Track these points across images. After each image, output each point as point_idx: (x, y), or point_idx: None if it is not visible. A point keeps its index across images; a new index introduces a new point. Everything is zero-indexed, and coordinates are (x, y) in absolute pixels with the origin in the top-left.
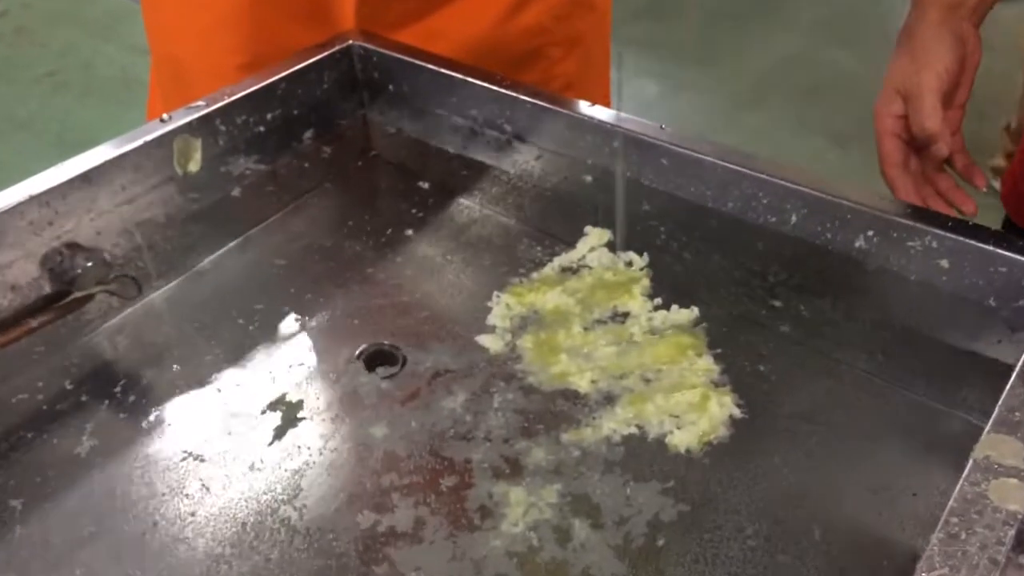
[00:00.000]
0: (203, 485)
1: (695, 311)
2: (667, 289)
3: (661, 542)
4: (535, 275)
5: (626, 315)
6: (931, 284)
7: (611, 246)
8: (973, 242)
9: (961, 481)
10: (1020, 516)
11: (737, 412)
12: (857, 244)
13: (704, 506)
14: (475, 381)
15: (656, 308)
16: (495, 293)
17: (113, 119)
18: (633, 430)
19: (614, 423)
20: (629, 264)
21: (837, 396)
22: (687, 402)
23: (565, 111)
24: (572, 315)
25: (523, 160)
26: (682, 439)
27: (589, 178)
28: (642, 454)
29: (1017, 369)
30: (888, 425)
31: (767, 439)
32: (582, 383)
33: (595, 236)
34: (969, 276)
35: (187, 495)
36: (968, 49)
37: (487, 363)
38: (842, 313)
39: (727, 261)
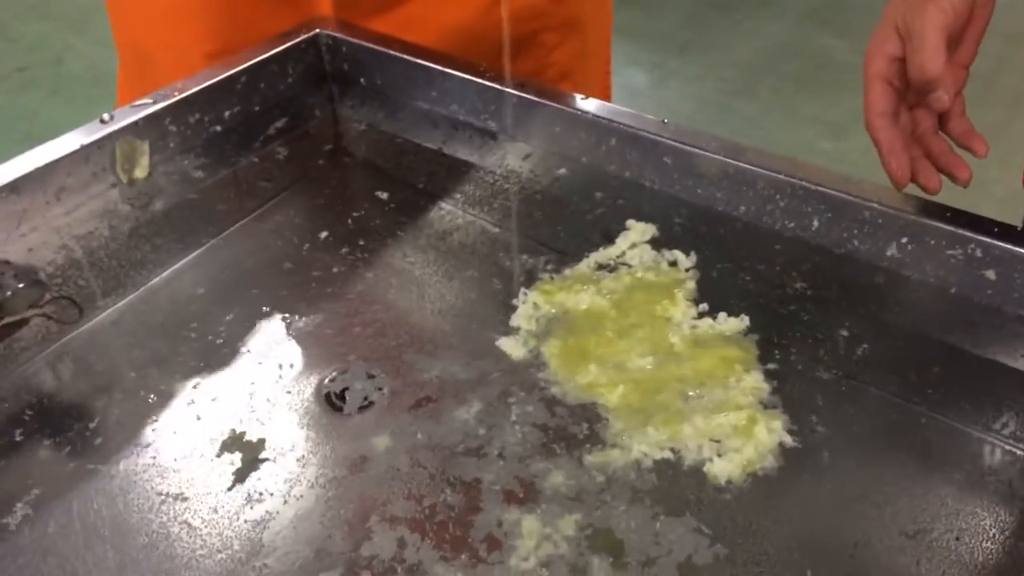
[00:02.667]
0: (150, 542)
1: (745, 320)
2: (715, 295)
3: None
4: (567, 271)
5: (666, 321)
6: (975, 297)
7: (655, 243)
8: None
9: None
10: None
11: (788, 440)
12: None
13: (745, 550)
14: (491, 391)
15: (701, 315)
16: (522, 290)
17: (84, 116)
18: (667, 455)
19: (646, 446)
20: (673, 264)
21: (887, 423)
22: (731, 425)
23: (556, 105)
24: (606, 319)
25: (510, 159)
26: (723, 468)
27: (582, 178)
28: (676, 483)
29: None
30: (928, 456)
31: (817, 473)
32: (612, 397)
33: (637, 231)
34: (1020, 288)
35: (131, 555)
36: None
37: (504, 372)
38: (897, 336)
39: (778, 268)
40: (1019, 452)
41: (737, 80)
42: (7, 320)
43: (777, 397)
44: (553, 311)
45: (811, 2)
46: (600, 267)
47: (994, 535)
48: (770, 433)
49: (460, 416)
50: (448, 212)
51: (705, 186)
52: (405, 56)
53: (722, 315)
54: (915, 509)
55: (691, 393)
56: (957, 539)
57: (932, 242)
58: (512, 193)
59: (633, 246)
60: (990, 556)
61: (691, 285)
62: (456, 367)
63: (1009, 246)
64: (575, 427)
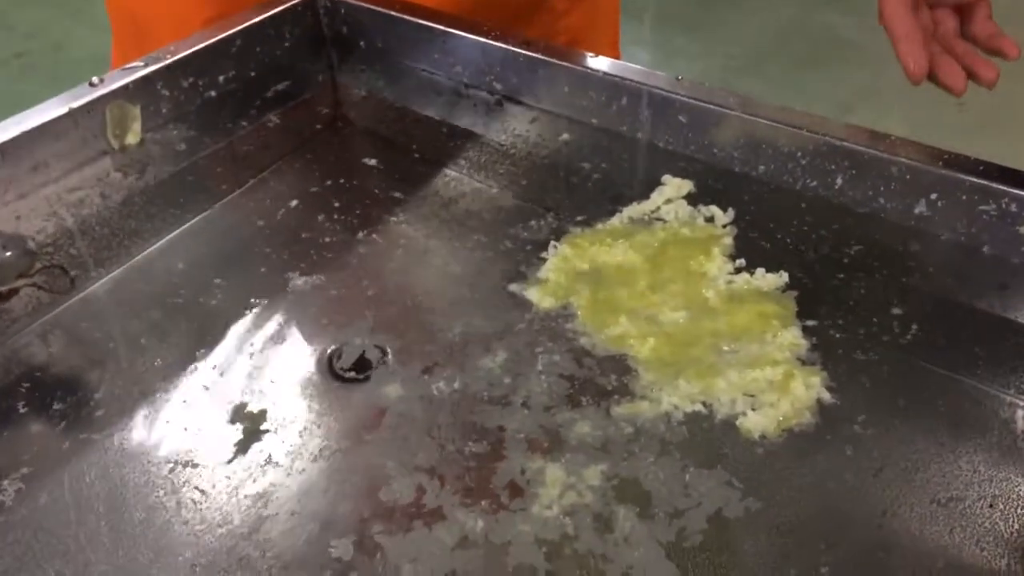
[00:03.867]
0: (147, 517)
1: (784, 276)
2: (753, 252)
3: (722, 542)
4: (600, 225)
5: (702, 276)
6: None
7: (691, 199)
8: None
9: None
10: None
11: (827, 396)
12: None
13: (778, 505)
14: (517, 340)
15: (738, 271)
16: (552, 243)
17: None
18: (699, 408)
19: (676, 398)
20: (710, 219)
21: (920, 387)
22: (766, 380)
23: (566, 64)
24: (638, 272)
25: (516, 124)
26: (757, 423)
27: (593, 141)
28: (707, 437)
29: None
30: (960, 422)
31: (851, 434)
32: (643, 350)
33: (673, 187)
34: None
35: (127, 531)
36: None
37: (531, 322)
38: (932, 299)
39: (817, 229)
40: None
41: (744, 58)
42: None
43: (816, 354)
44: (584, 265)
45: None
46: (634, 221)
47: (1012, 498)
48: (808, 389)
49: (485, 365)
50: (453, 179)
51: (724, 146)
52: (406, 17)
53: (760, 271)
54: (947, 476)
55: (725, 348)
56: (991, 506)
57: (964, 197)
58: (518, 159)
59: (668, 201)
60: (1010, 516)
61: (728, 241)
62: (478, 320)
63: None
64: (603, 378)
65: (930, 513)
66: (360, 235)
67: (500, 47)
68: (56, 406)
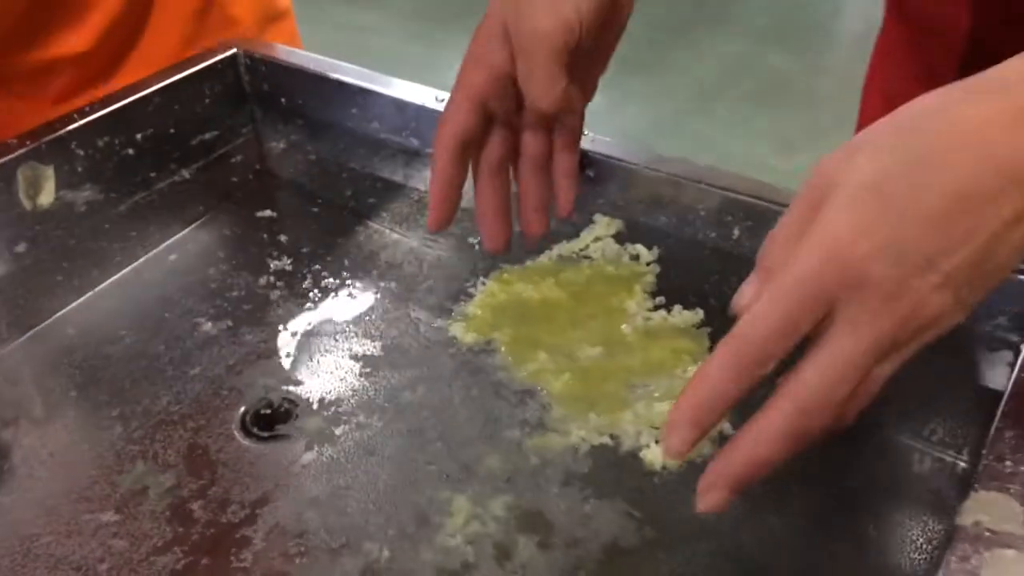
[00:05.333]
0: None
1: (700, 313)
2: (673, 289)
3: (615, 571)
4: (529, 263)
5: (621, 312)
6: None
7: (619, 237)
8: None
9: (946, 556)
10: None
11: (729, 428)
12: None
13: (672, 536)
14: (438, 375)
15: (656, 308)
16: (480, 279)
17: None
18: (605, 440)
19: (585, 431)
20: (636, 258)
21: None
22: None
23: None
24: (561, 308)
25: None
26: (659, 454)
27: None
28: (611, 468)
29: (1001, 406)
30: (867, 465)
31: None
32: (557, 385)
33: (602, 225)
34: None
35: None
36: None
37: (453, 357)
38: None
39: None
40: (947, 459)
41: (694, 99)
42: None
43: None
44: (510, 301)
45: (767, 22)
46: (563, 258)
47: (921, 545)
48: None
49: (405, 399)
50: (375, 230)
51: (629, 198)
52: (324, 73)
53: (677, 307)
54: (843, 513)
55: (637, 382)
56: (875, 528)
57: None
58: None
59: (597, 239)
60: (918, 566)
61: (650, 279)
62: (398, 357)
63: None
64: (517, 412)
65: (819, 542)
66: (290, 287)
67: (414, 103)
68: None
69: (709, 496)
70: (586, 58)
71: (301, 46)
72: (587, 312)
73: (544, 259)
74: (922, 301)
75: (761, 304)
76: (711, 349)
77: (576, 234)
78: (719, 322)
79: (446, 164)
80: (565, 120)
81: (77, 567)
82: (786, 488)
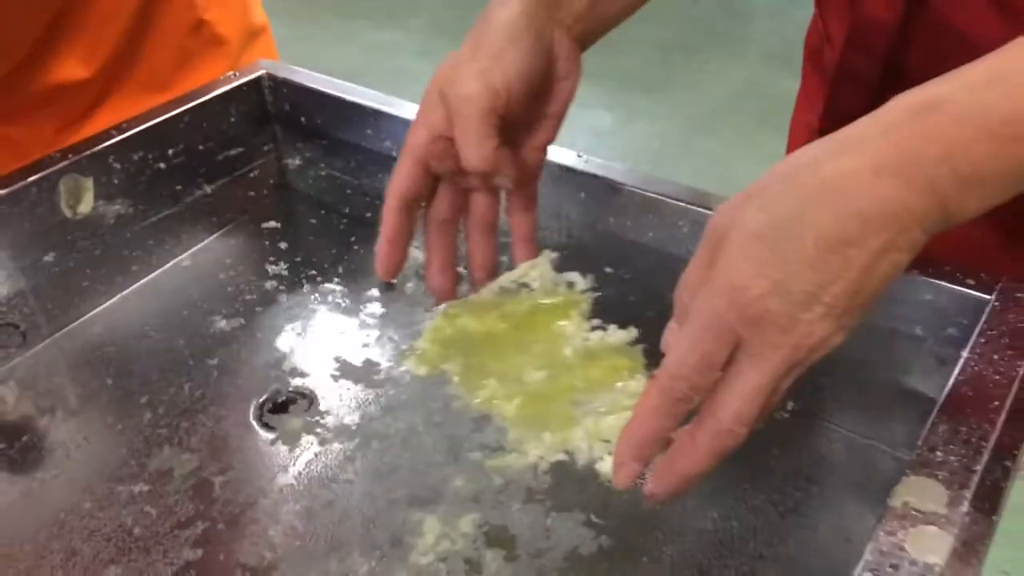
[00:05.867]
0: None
1: (633, 332)
2: (608, 311)
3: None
4: (472, 297)
5: (561, 337)
6: None
7: (554, 266)
8: None
9: (876, 530)
10: (938, 569)
11: (674, 437)
12: None
13: (627, 542)
14: (399, 407)
15: (593, 329)
16: (427, 314)
17: None
18: (562, 456)
19: (541, 449)
20: (571, 285)
21: (772, 430)
22: (619, 426)
23: None
24: (506, 337)
25: None
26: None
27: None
28: (569, 483)
29: (938, 405)
30: (820, 463)
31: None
32: (510, 408)
33: (540, 256)
34: (894, 305)
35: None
36: (558, 68)
37: (412, 388)
38: None
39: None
40: (890, 452)
41: (701, 119)
42: None
43: None
44: (457, 334)
45: (772, 45)
46: (503, 290)
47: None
48: None
49: (374, 428)
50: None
51: (615, 214)
52: (341, 96)
53: (612, 327)
54: (806, 512)
55: (583, 399)
56: (847, 541)
57: None
58: None
59: (534, 267)
60: (857, 543)
61: (585, 305)
62: (362, 391)
63: None
64: (476, 436)
65: (794, 546)
66: (298, 295)
67: None
68: (5, 451)
69: (650, 501)
70: (524, 126)
71: (278, 57)
72: (530, 339)
73: (486, 292)
74: (809, 330)
75: (681, 345)
76: (646, 364)
77: (515, 265)
78: (652, 339)
79: (390, 218)
80: (509, 182)
81: (108, 537)
82: (737, 485)
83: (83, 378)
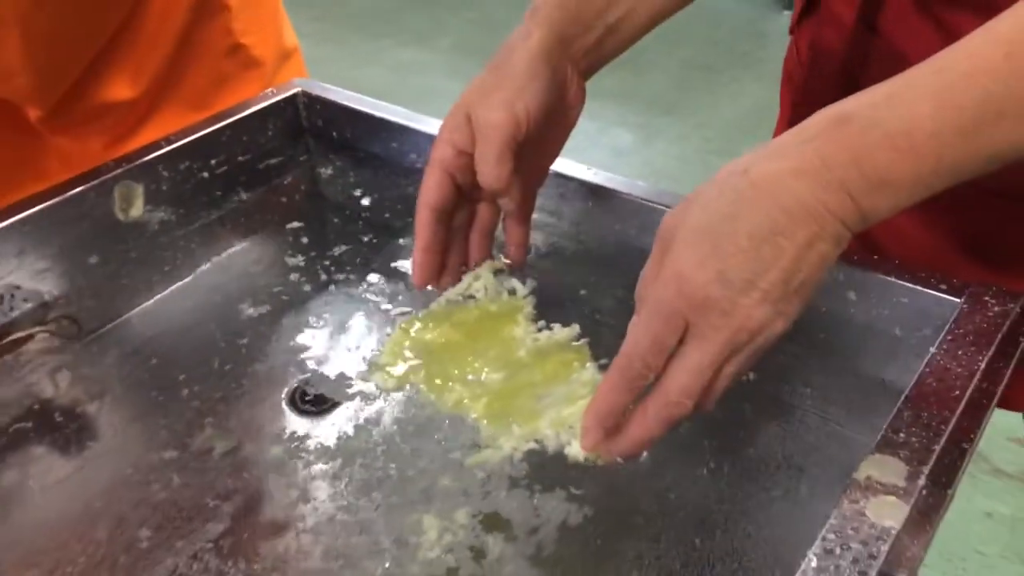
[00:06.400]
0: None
1: (576, 328)
2: (550, 313)
3: (572, 544)
4: (423, 312)
5: (512, 340)
6: (841, 315)
7: (495, 275)
8: (876, 274)
9: (841, 499)
10: (894, 532)
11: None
12: None
13: (609, 507)
14: (372, 418)
15: (540, 329)
16: (386, 331)
17: None
18: (533, 446)
19: (513, 442)
20: (513, 292)
21: (764, 421)
22: (578, 412)
23: None
24: (461, 345)
25: None
26: (579, 450)
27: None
28: (544, 467)
29: (905, 394)
30: (807, 451)
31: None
32: (478, 408)
33: (482, 268)
34: (875, 307)
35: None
36: (568, 98)
37: (381, 400)
38: None
39: (612, 280)
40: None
41: (720, 139)
42: (15, 336)
43: None
44: (414, 347)
45: None
46: (450, 303)
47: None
48: None
49: (357, 444)
50: (401, 247)
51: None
52: (370, 112)
53: (556, 326)
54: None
55: (542, 393)
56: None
57: None
58: None
59: (477, 278)
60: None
61: (529, 309)
62: (344, 399)
63: (863, 270)
64: (452, 437)
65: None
66: (328, 296)
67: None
68: (60, 432)
69: (607, 457)
70: (533, 149)
71: (307, 75)
72: (484, 344)
73: (434, 306)
74: (748, 314)
75: (636, 330)
76: (592, 355)
77: (458, 278)
78: (593, 332)
79: (424, 230)
80: (514, 206)
81: (155, 506)
82: (716, 455)
83: (129, 367)
